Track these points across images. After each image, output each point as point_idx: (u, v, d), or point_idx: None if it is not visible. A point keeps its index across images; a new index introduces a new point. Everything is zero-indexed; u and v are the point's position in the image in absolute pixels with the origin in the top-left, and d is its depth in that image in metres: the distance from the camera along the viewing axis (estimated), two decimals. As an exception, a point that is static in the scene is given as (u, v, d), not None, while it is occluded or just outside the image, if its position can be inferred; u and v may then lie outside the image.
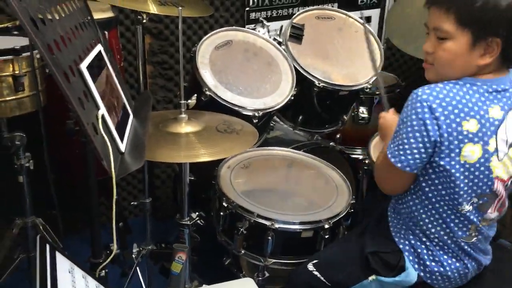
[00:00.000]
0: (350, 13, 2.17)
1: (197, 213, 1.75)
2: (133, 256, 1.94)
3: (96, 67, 1.17)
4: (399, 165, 1.22)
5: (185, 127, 1.42)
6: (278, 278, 1.72)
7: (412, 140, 1.19)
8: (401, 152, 1.21)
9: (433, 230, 1.29)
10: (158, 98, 2.55)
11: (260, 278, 1.61)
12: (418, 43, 2.02)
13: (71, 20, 1.16)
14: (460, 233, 1.28)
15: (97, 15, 1.85)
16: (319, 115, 2.12)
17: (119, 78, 1.37)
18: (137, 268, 1.94)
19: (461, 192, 1.22)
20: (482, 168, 1.20)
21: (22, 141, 1.69)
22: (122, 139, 1.14)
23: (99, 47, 1.25)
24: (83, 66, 1.04)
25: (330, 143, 2.11)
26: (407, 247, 1.33)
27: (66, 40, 1.04)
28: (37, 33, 0.88)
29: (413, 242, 1.33)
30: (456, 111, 1.15)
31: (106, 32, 1.97)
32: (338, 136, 2.36)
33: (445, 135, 1.16)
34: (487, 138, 1.19)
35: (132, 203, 1.93)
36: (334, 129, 2.24)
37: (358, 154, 2.44)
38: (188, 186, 1.58)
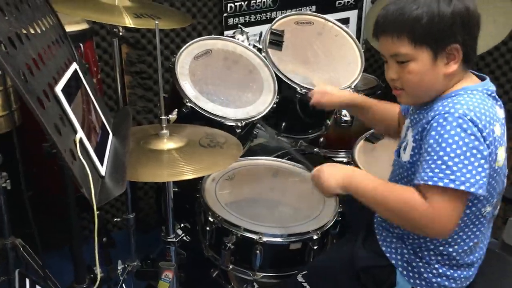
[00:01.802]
0: (329, 17, 2.16)
1: (182, 225, 1.73)
2: (118, 273, 1.89)
3: (72, 87, 1.12)
4: (472, 189, 1.06)
5: (167, 143, 1.38)
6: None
7: (472, 159, 1.07)
8: (467, 176, 1.06)
9: (433, 247, 1.26)
10: (138, 109, 2.50)
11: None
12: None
13: (44, 39, 1.11)
14: (466, 248, 1.25)
15: (71, 27, 1.80)
16: (302, 120, 2.10)
17: (96, 95, 1.33)
18: (123, 285, 1.90)
19: (487, 197, 1.20)
20: (504, 168, 1.22)
21: (-2, 161, 1.63)
22: (102, 161, 1.10)
23: (74, 66, 1.20)
24: (58, 88, 1.00)
25: (314, 149, 2.09)
26: (399, 262, 1.30)
27: (39, 62, 0.99)
28: (8, 58, 0.84)
29: (406, 256, 1.29)
30: (488, 118, 1.13)
31: (81, 45, 1.92)
32: (321, 140, 2.35)
33: (490, 145, 1.12)
34: (504, 138, 1.20)
35: (116, 219, 1.88)
36: (317, 134, 2.22)
37: (342, 157, 2.42)
38: (172, 200, 1.54)
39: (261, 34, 2.06)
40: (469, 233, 1.24)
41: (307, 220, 1.61)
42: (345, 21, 2.83)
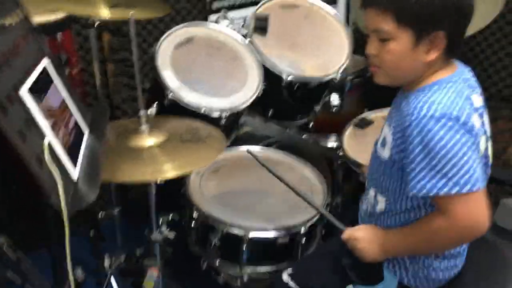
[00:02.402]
0: (314, 0, 2.09)
1: (170, 219, 1.70)
2: (106, 268, 1.87)
3: (41, 86, 1.07)
4: (475, 188, 1.06)
5: (147, 140, 1.34)
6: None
7: (465, 158, 1.05)
8: (467, 176, 1.05)
9: None
10: (124, 96, 2.43)
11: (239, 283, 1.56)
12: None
13: (9, 37, 1.05)
14: None
15: (47, 17, 1.73)
16: (290, 107, 2.06)
17: (71, 91, 1.27)
18: (112, 278, 1.87)
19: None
20: (483, 159, 1.17)
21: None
22: (75, 163, 1.05)
23: (44, 62, 1.14)
24: (24, 90, 0.94)
25: (303, 135, 2.05)
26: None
27: (2, 64, 0.93)
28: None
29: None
30: (465, 111, 1.08)
31: (58, 35, 1.85)
32: (311, 125, 2.31)
33: (475, 133, 1.09)
34: (484, 127, 1.17)
35: (101, 212, 1.85)
36: (306, 120, 2.18)
37: (332, 141, 2.38)
38: (154, 197, 1.50)
39: (245, 19, 1.99)
40: None
41: (294, 213, 1.57)
42: (333, 1, 2.75)
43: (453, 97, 1.09)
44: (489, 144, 1.22)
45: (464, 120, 1.06)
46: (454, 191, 1.05)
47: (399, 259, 1.26)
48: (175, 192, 1.84)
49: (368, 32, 1.18)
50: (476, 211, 1.08)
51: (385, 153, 1.21)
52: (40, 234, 1.91)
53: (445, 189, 1.05)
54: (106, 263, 1.86)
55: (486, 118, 1.20)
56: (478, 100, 1.17)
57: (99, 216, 1.87)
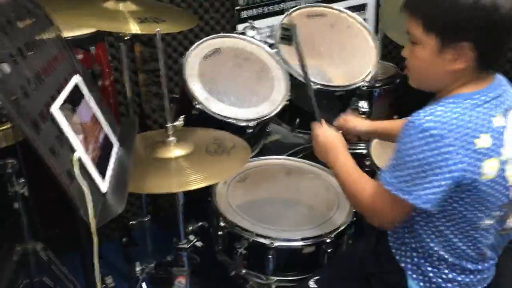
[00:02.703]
0: (341, 8, 2.09)
1: (200, 224, 1.73)
2: (137, 274, 1.92)
3: (73, 102, 1.12)
4: (414, 201, 1.10)
5: (174, 151, 1.37)
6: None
7: (425, 173, 1.08)
8: (414, 188, 1.09)
9: (442, 253, 1.22)
10: (153, 107, 2.49)
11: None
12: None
13: (43, 55, 1.10)
14: (473, 254, 1.21)
15: (81, 31, 1.80)
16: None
17: (102, 106, 1.32)
18: (143, 284, 1.92)
19: (483, 210, 1.14)
20: (500, 180, 1.13)
21: (14, 168, 1.65)
22: (104, 176, 1.10)
23: (75, 79, 1.19)
24: (55, 108, 0.99)
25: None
26: (409, 266, 1.27)
27: (36, 81, 0.98)
28: (-2, 85, 0.83)
29: (416, 260, 1.26)
30: (466, 130, 1.07)
31: (92, 48, 1.92)
32: (340, 132, 2.30)
33: (463, 159, 1.06)
34: (499, 149, 1.12)
35: (131, 222, 1.90)
36: (334, 127, 2.17)
37: (361, 148, 2.37)
38: (182, 206, 1.54)
39: (272, 29, 2.02)
40: (468, 244, 1.19)
41: (321, 221, 1.58)
42: (361, 7, 2.74)
43: (455, 115, 1.07)
44: (508, 167, 1.15)
45: (446, 142, 1.05)
46: (387, 187, 1.13)
47: (426, 273, 1.25)
48: (203, 200, 1.87)
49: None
50: (391, 215, 1.19)
51: None
52: (73, 241, 1.99)
53: (389, 188, 1.13)
54: (138, 269, 1.91)
55: (507, 140, 1.14)
56: (498, 120, 1.12)
57: (130, 223, 1.91)
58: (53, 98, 1.02)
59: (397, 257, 1.28)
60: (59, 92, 1.07)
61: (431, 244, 1.21)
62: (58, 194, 2.05)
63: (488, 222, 1.17)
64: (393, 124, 1.59)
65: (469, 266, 1.22)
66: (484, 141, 1.08)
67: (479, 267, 1.24)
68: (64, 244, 2.00)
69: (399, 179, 1.11)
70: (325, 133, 1.43)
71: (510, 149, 1.14)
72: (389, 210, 1.17)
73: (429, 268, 1.24)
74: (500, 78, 1.20)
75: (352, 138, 1.89)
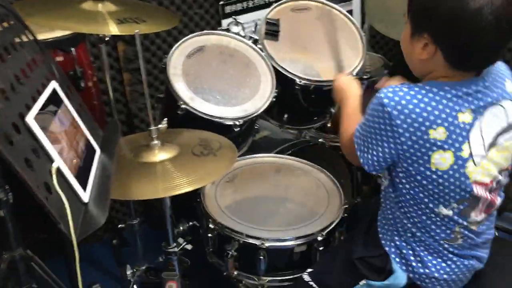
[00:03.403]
0: (325, 1, 2.05)
1: (191, 224, 1.70)
2: (128, 277, 1.89)
3: (50, 109, 1.08)
4: (361, 160, 1.23)
5: (159, 155, 1.34)
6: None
7: (374, 142, 1.18)
8: (365, 149, 1.22)
9: (415, 231, 1.25)
10: (140, 106, 2.45)
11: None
12: (398, 28, 1.90)
13: (17, 63, 1.06)
14: (443, 235, 1.23)
15: (60, 33, 1.75)
16: (305, 111, 2.03)
17: (82, 111, 1.28)
18: (135, 286, 1.89)
19: (436, 197, 1.18)
20: (456, 175, 1.14)
21: (-2, 176, 1.61)
22: (85, 185, 1.06)
23: (52, 85, 1.15)
24: (30, 117, 0.95)
25: (319, 140, 2.02)
26: (392, 249, 1.30)
27: (9, 91, 0.94)
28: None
29: (398, 243, 1.29)
30: (420, 119, 1.09)
31: (72, 49, 1.87)
32: (328, 125, 2.28)
33: (409, 143, 1.12)
34: (458, 145, 1.12)
35: (120, 226, 1.87)
36: (322, 122, 2.15)
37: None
38: (170, 209, 1.51)
39: (256, 24, 1.98)
40: (438, 224, 1.22)
41: (312, 219, 1.56)
42: (347, -1, 2.71)
43: (416, 100, 1.10)
44: (486, 161, 1.17)
45: (397, 122, 1.10)
46: (355, 139, 1.24)
47: (407, 257, 1.27)
48: (192, 200, 1.84)
49: None
50: (354, 157, 1.26)
51: None
52: (60, 246, 1.96)
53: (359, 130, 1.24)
54: (129, 272, 1.89)
55: (473, 138, 1.14)
56: (465, 116, 1.12)
57: (119, 227, 1.88)
58: (28, 107, 0.98)
59: (383, 241, 1.31)
60: (34, 100, 1.03)
61: (405, 221, 1.25)
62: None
63: (446, 211, 1.19)
64: None
65: (442, 248, 1.24)
66: (438, 134, 1.10)
67: (454, 250, 1.25)
68: (52, 249, 1.97)
69: (362, 135, 1.22)
70: (342, 79, 1.57)
71: (477, 147, 1.14)
72: (354, 155, 1.25)
73: (410, 251, 1.26)
74: (491, 73, 1.18)
75: None
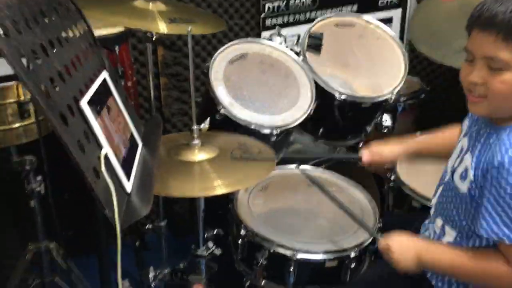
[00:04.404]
0: (371, 19, 2.05)
1: (215, 232, 1.69)
2: (150, 280, 1.87)
3: (100, 98, 1.09)
4: None
5: (198, 154, 1.33)
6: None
7: None
8: None
9: None
10: (173, 111, 2.47)
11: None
12: (444, 50, 1.88)
13: (73, 48, 1.08)
14: None
15: (106, 30, 1.78)
16: (340, 127, 2.02)
17: (127, 104, 1.29)
18: (155, 290, 1.87)
19: None
20: None
21: (32, 165, 1.63)
22: (129, 176, 1.06)
23: (103, 75, 1.17)
24: (84, 102, 0.96)
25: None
26: (439, 283, 1.22)
27: (65, 74, 0.95)
28: (29, 74, 0.80)
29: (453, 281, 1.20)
30: None
31: (116, 48, 1.90)
32: (360, 145, 2.25)
33: None
34: None
35: (147, 226, 1.86)
36: (357, 140, 2.13)
37: (382, 163, 2.32)
38: (203, 212, 1.49)
39: (299, 37, 1.98)
40: None
41: (344, 235, 1.53)
42: (388, 20, 2.71)
43: None
44: None
45: None
46: None
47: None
48: (222, 207, 1.83)
49: (473, 58, 1.06)
50: None
51: (464, 187, 1.13)
52: (88, 244, 1.95)
53: None
54: (151, 275, 1.87)
55: None
56: None
57: (146, 228, 1.87)
58: (82, 93, 0.99)
59: (429, 277, 1.23)
60: (87, 86, 1.04)
61: None
62: (76, 194, 2.03)
63: None
64: (433, 140, 1.50)
65: None
66: None
67: None
68: (78, 247, 1.96)
69: None
70: (397, 247, 1.21)
71: None
72: None
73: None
74: None
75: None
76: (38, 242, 1.77)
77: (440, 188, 1.27)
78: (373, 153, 1.51)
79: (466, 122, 1.26)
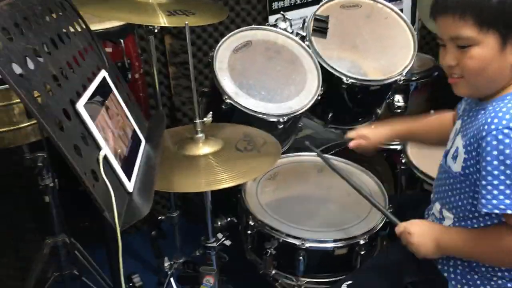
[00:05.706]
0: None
1: (229, 219, 1.70)
2: (166, 269, 1.90)
3: (99, 97, 1.09)
4: None
5: (203, 148, 1.33)
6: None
7: None
8: None
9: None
10: (183, 100, 2.47)
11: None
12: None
13: (69, 50, 1.07)
14: None
15: (110, 24, 1.78)
16: (350, 110, 1.99)
17: (129, 101, 1.29)
18: (171, 280, 1.90)
19: None
20: None
21: (45, 162, 1.65)
22: (130, 174, 1.06)
23: (102, 73, 1.16)
24: (81, 104, 0.96)
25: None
26: (452, 275, 1.20)
27: (60, 77, 0.95)
28: (21, 82, 0.80)
29: (460, 268, 1.19)
30: None
31: (121, 40, 1.89)
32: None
33: None
34: None
35: (160, 217, 1.88)
36: (367, 123, 2.10)
37: (395, 145, 2.29)
38: (211, 203, 1.50)
39: (304, 21, 1.95)
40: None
41: (354, 222, 1.52)
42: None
43: None
44: None
45: None
46: None
47: (468, 277, 1.18)
48: (235, 194, 1.83)
49: (443, 42, 1.09)
50: None
51: (456, 167, 1.13)
52: (102, 234, 1.98)
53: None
54: (166, 264, 1.90)
55: None
56: None
57: (159, 218, 1.89)
58: (79, 94, 0.99)
59: (439, 266, 1.22)
60: (85, 88, 1.04)
61: None
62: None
63: None
64: (424, 124, 1.50)
65: None
66: None
67: None
68: (93, 237, 2.00)
69: None
70: (416, 234, 1.19)
71: None
72: None
73: (476, 276, 1.16)
74: None
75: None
76: (55, 236, 1.81)
77: (438, 173, 1.27)
78: (359, 136, 1.51)
79: (460, 107, 1.27)
